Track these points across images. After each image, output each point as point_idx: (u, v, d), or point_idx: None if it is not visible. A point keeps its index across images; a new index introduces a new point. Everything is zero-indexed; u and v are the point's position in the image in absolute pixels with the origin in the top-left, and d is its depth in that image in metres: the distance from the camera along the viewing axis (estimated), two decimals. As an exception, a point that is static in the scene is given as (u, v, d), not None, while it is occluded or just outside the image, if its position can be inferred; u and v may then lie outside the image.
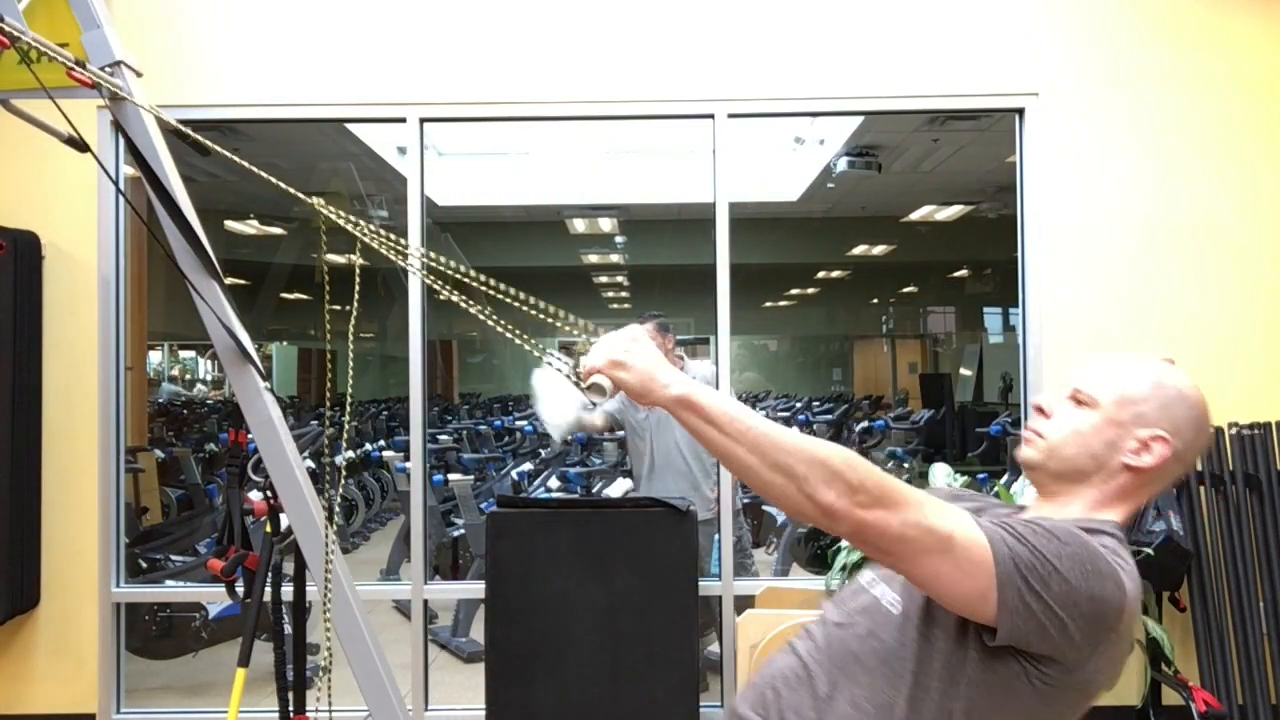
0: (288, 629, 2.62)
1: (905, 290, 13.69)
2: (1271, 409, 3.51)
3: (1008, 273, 3.97)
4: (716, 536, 3.67)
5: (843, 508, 1.00)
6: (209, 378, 15.25)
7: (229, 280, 2.14)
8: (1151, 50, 3.60)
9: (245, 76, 3.63)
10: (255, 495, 2.69)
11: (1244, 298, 3.58)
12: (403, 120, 3.64)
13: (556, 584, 3.16)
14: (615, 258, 12.17)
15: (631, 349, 1.12)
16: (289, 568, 2.59)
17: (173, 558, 4.75)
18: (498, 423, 8.83)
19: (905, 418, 8.85)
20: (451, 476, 5.66)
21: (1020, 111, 3.64)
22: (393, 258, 1.65)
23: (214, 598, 3.99)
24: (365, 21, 3.65)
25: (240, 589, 2.56)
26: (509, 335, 1.36)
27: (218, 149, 1.95)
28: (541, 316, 1.36)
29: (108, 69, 2.01)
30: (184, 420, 10.17)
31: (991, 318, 12.43)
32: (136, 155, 2.03)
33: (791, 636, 1.32)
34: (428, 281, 1.56)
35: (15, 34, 1.73)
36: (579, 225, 10.12)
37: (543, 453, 7.35)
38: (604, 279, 13.03)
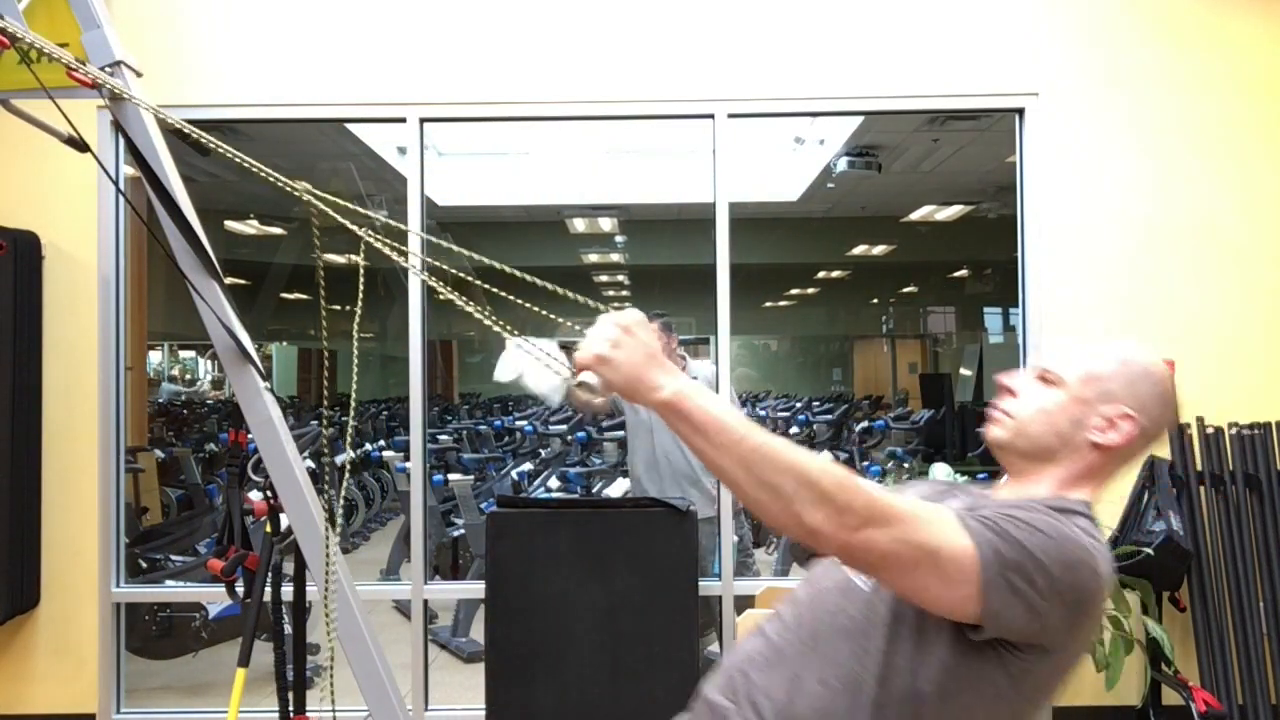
0: (288, 629, 2.62)
1: (905, 290, 13.69)
2: (1271, 409, 3.51)
3: (1008, 273, 3.97)
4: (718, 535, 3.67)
5: (829, 530, 0.97)
6: (209, 378, 15.25)
7: (229, 280, 2.14)
8: (1151, 50, 3.60)
9: (245, 76, 3.63)
10: (255, 495, 2.69)
11: (1244, 298, 3.58)
12: (403, 120, 3.64)
13: (556, 584, 3.16)
14: (615, 257, 12.18)
15: (622, 343, 1.02)
16: (289, 568, 2.59)
17: (173, 558, 4.75)
18: (498, 423, 8.82)
19: (905, 418, 8.85)
20: (451, 476, 5.67)
21: (1020, 111, 3.64)
22: (388, 252, 1.65)
23: (214, 598, 3.99)
24: (365, 21, 3.65)
25: (240, 589, 2.56)
26: (502, 331, 1.32)
27: (217, 144, 1.95)
28: (540, 311, 1.34)
29: (108, 69, 2.01)
30: (184, 420, 10.18)
31: (991, 318, 12.43)
32: (136, 155, 2.03)
33: (761, 620, 1.31)
34: (427, 280, 1.56)
35: (15, 34, 1.73)
36: (579, 225, 10.12)
37: (543, 453, 7.35)
38: (604, 279, 13.03)
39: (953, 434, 9.12)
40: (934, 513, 1.05)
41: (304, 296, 13.08)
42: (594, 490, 6.38)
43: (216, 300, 2.06)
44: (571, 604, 3.14)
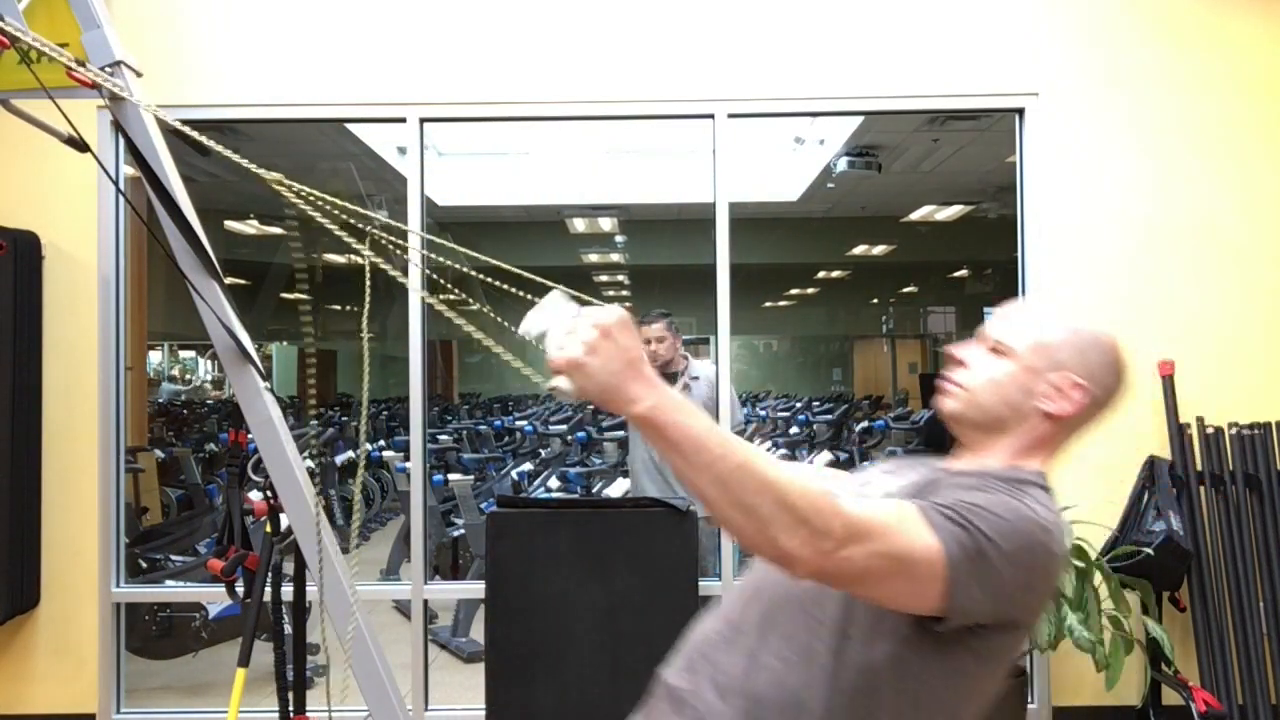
0: (288, 629, 2.62)
1: (905, 290, 13.69)
2: (1271, 409, 3.51)
3: (1008, 273, 3.97)
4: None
5: (805, 555, 0.94)
6: (209, 377, 15.26)
7: (229, 280, 2.14)
8: (1151, 50, 3.60)
9: (245, 76, 3.63)
10: (255, 495, 2.69)
11: (1244, 298, 3.58)
12: (403, 120, 3.64)
13: (556, 584, 3.16)
14: (615, 257, 12.18)
15: (599, 349, 0.93)
16: (289, 568, 2.59)
17: (173, 558, 4.75)
18: (498, 423, 8.83)
19: (905, 418, 8.85)
20: (451, 476, 5.67)
21: (1020, 111, 3.64)
22: (387, 267, 1.65)
23: (214, 598, 3.99)
24: (365, 21, 3.65)
25: (240, 589, 2.56)
26: (502, 323, 1.29)
27: (214, 145, 1.95)
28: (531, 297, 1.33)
29: (108, 69, 2.01)
30: (184, 420, 10.18)
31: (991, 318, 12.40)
32: (136, 155, 2.03)
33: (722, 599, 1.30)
34: (426, 297, 1.56)
35: (15, 34, 1.73)
36: (579, 225, 10.12)
37: (543, 453, 7.35)
38: (604, 279, 13.04)
39: (953, 434, 9.11)
40: (901, 515, 1.03)
41: (304, 297, 13.07)
42: (594, 490, 6.38)
43: (216, 300, 2.06)
44: (571, 604, 3.14)
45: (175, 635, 4.17)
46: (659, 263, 11.38)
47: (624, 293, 13.31)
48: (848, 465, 7.60)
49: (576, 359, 0.94)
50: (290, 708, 2.54)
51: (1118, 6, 3.61)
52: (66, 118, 1.92)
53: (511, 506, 3.30)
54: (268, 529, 2.53)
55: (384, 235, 1.71)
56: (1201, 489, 3.45)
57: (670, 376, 4.07)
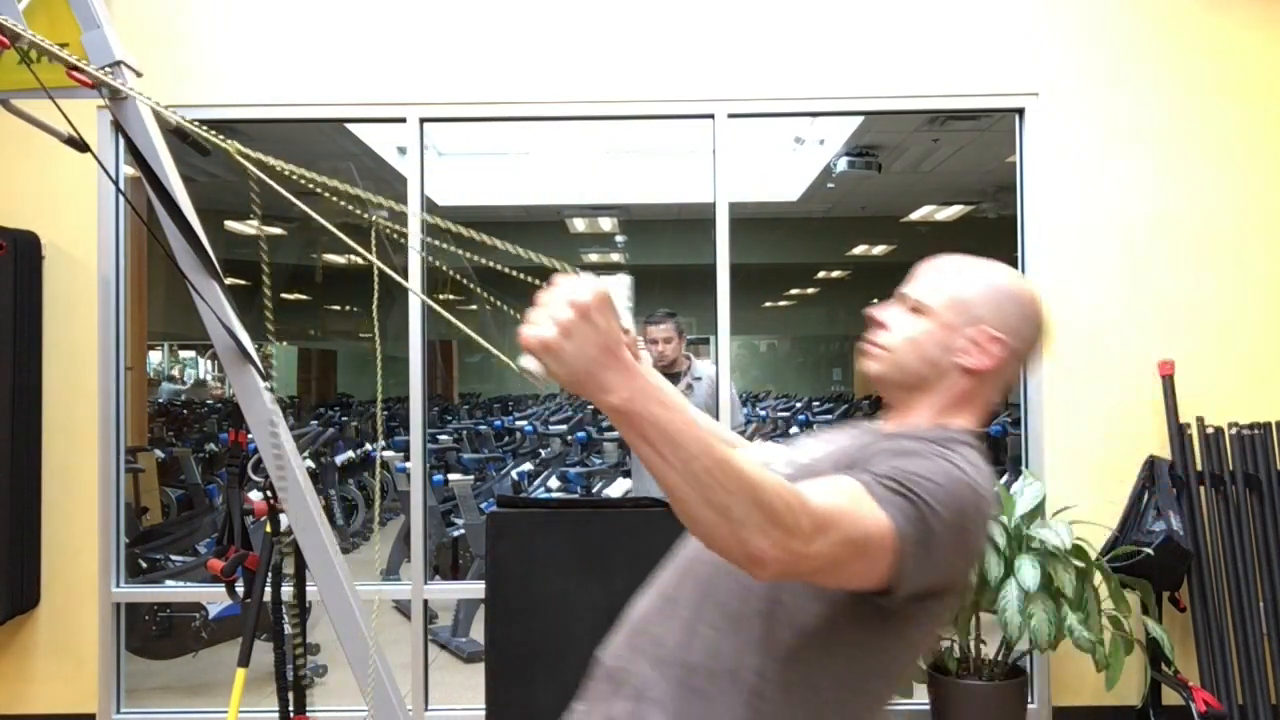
0: (288, 629, 2.62)
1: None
2: (1271, 409, 3.51)
3: (1008, 273, 3.96)
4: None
5: (774, 556, 0.90)
6: (209, 377, 15.25)
7: (229, 280, 2.14)
8: (1152, 51, 3.60)
9: (245, 76, 3.63)
10: (255, 495, 2.69)
11: (1244, 298, 3.58)
12: (403, 120, 3.64)
13: (556, 584, 3.16)
14: (615, 258, 12.17)
15: (575, 332, 0.85)
16: (289, 568, 2.59)
17: (173, 558, 4.75)
18: (498, 423, 8.82)
19: (905, 418, 8.83)
20: (451, 476, 5.66)
21: (1020, 111, 3.64)
22: (392, 274, 1.65)
23: (214, 598, 3.99)
24: (365, 21, 3.65)
25: (240, 589, 2.56)
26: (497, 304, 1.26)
27: (218, 142, 1.95)
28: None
29: (107, 69, 2.01)
30: (184, 420, 10.18)
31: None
32: (136, 155, 2.03)
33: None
34: (427, 301, 1.56)
35: (15, 34, 1.73)
36: (579, 225, 10.12)
37: (543, 453, 7.35)
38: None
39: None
40: (852, 495, 1.00)
41: (304, 297, 13.08)
42: (594, 490, 6.38)
43: (216, 300, 2.06)
44: (571, 604, 3.14)
45: (175, 635, 4.17)
46: (659, 263, 11.38)
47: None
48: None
49: (549, 341, 0.85)
50: (290, 708, 2.54)
51: (1118, 7, 3.61)
52: (66, 118, 1.92)
53: (511, 506, 3.30)
54: (268, 529, 2.53)
55: (389, 225, 1.72)
56: (1201, 489, 3.45)
57: (673, 377, 4.07)
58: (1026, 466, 3.59)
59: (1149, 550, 3.18)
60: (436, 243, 2.07)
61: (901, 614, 1.08)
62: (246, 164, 1.90)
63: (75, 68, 1.85)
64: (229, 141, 1.98)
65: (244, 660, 2.51)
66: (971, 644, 3.15)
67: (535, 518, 3.24)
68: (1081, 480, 3.51)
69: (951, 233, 10.16)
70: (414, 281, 3.59)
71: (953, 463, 1.08)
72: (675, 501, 0.90)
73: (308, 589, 2.56)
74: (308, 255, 11.30)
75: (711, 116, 3.62)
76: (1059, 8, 3.62)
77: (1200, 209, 3.58)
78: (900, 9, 3.64)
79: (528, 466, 6.87)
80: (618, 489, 5.71)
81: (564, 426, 7.31)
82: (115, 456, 3.61)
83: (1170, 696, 3.34)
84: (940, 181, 8.12)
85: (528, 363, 0.89)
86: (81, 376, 3.58)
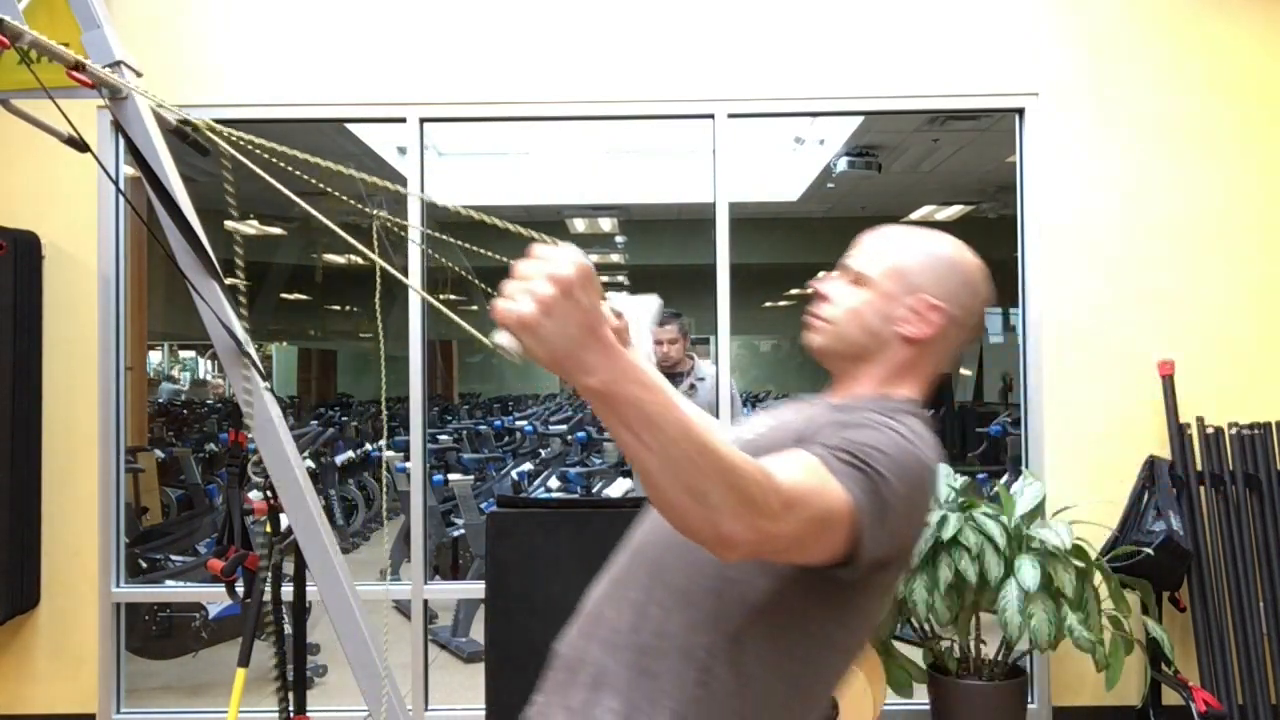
0: (288, 629, 2.62)
1: (905, 290, 13.66)
2: (1271, 409, 3.51)
3: (1008, 273, 3.97)
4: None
5: (746, 539, 0.89)
6: (209, 376, 15.25)
7: (229, 280, 2.14)
8: (1152, 51, 3.60)
9: (245, 76, 3.63)
10: (255, 495, 2.68)
11: (1244, 298, 3.58)
12: (403, 120, 3.64)
13: (556, 584, 3.16)
14: (615, 258, 12.17)
15: (556, 310, 0.80)
16: (289, 568, 2.59)
17: (173, 558, 4.75)
18: (498, 423, 8.82)
19: (905, 417, 8.82)
20: (451, 476, 5.66)
21: (1020, 111, 3.64)
22: (396, 274, 1.65)
23: (214, 598, 3.99)
24: (365, 21, 3.65)
25: (240, 589, 2.56)
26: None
27: (219, 140, 1.95)
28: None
29: (107, 69, 2.01)
30: (184, 420, 10.18)
31: (991, 318, 12.41)
32: (136, 155, 2.03)
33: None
34: (428, 298, 1.56)
35: (17, 33, 1.73)
36: (579, 225, 10.12)
37: (543, 453, 7.35)
38: (604, 279, 13.01)
39: (952, 434, 9.12)
40: (814, 471, 0.99)
41: (304, 297, 13.09)
42: (594, 490, 6.38)
43: (216, 300, 2.06)
44: (571, 604, 3.13)
45: (175, 635, 4.17)
46: (659, 263, 11.38)
47: (624, 293, 13.30)
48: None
49: (527, 318, 0.80)
50: (290, 708, 2.54)
51: (1117, 8, 3.61)
52: (66, 118, 1.92)
53: (511, 506, 3.30)
54: (268, 529, 2.53)
55: (390, 219, 1.72)
56: (1201, 489, 3.45)
57: (676, 377, 4.08)
58: (1026, 466, 3.59)
59: (1149, 550, 3.18)
60: (437, 234, 2.08)
61: (852, 585, 1.07)
62: (242, 157, 1.90)
63: (76, 66, 1.85)
64: (228, 133, 1.98)
65: (244, 660, 2.51)
66: (971, 644, 3.15)
67: (535, 518, 3.24)
68: (1081, 480, 3.51)
69: (951, 232, 10.13)
70: (414, 279, 3.60)
71: (899, 433, 1.08)
72: (650, 485, 0.87)
73: (308, 589, 2.56)
74: (308, 255, 11.30)
75: (711, 116, 3.62)
76: (1059, 8, 3.62)
77: (1200, 209, 3.58)
78: (900, 9, 3.64)
79: (528, 466, 6.87)
80: (618, 489, 5.70)
81: (564, 426, 7.31)
82: (115, 456, 3.61)
83: (1170, 696, 3.34)
84: (940, 181, 8.12)
85: (503, 339, 0.83)
86: (81, 376, 3.58)
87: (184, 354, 15.73)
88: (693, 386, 4.08)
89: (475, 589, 3.84)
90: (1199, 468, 3.47)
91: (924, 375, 1.24)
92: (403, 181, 3.68)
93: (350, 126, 5.53)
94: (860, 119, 5.90)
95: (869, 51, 3.63)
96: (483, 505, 5.50)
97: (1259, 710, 3.30)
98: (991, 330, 12.39)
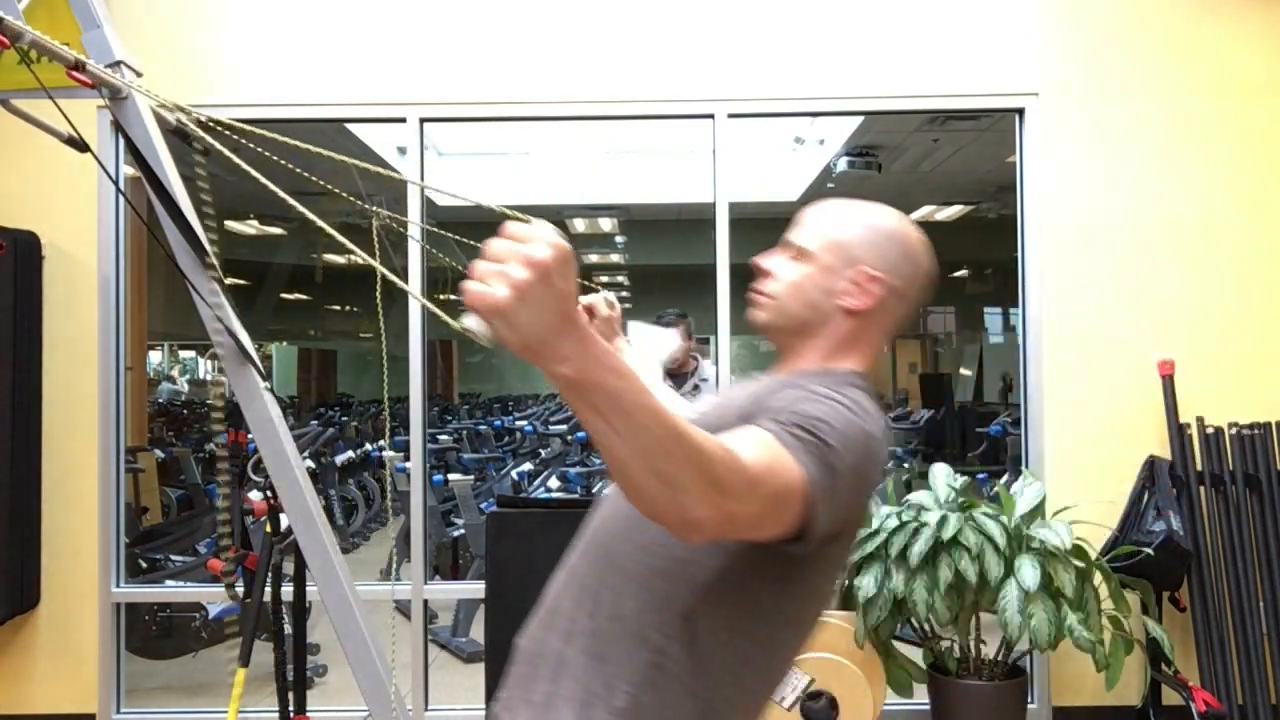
0: (288, 629, 2.62)
1: (905, 290, 13.65)
2: (1271, 409, 3.51)
3: (1008, 273, 3.98)
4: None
5: (713, 521, 0.88)
6: (209, 376, 15.25)
7: (229, 280, 2.14)
8: (1151, 51, 3.60)
9: (245, 76, 3.63)
10: (255, 495, 2.69)
11: (1244, 298, 3.58)
12: (403, 120, 3.64)
13: (556, 584, 3.16)
14: (615, 258, 12.17)
15: (531, 297, 0.76)
16: (289, 568, 2.59)
17: (173, 558, 4.75)
18: (498, 423, 8.82)
19: (905, 417, 8.84)
20: (451, 476, 5.66)
21: (1020, 111, 3.64)
22: (397, 280, 1.66)
23: (214, 598, 3.99)
24: (365, 21, 3.65)
25: (240, 589, 2.56)
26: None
27: (208, 138, 1.95)
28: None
29: (107, 69, 2.01)
30: (184, 420, 10.17)
31: (991, 318, 12.43)
32: (136, 155, 2.03)
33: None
34: (425, 304, 1.56)
35: (17, 33, 1.73)
36: (579, 225, 10.12)
37: (543, 453, 7.35)
38: (604, 279, 13.04)
39: (953, 434, 9.12)
40: (772, 447, 0.98)
41: (304, 297, 13.08)
42: (594, 490, 6.38)
43: (216, 300, 2.06)
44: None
45: (175, 635, 4.17)
46: (659, 263, 11.38)
47: (624, 293, 13.31)
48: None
49: (501, 305, 0.75)
50: (290, 708, 2.54)
51: (1117, 8, 3.61)
52: (66, 118, 1.92)
53: (511, 506, 3.30)
54: (268, 529, 2.53)
55: (390, 216, 1.72)
56: (1201, 489, 3.45)
57: (680, 378, 4.09)
58: (1026, 466, 3.59)
59: (1149, 550, 3.18)
60: (437, 229, 2.08)
61: (802, 560, 1.07)
62: (234, 156, 1.90)
63: (77, 66, 1.85)
64: (227, 149, 1.98)
65: (244, 660, 2.51)
66: (971, 644, 3.15)
67: (535, 518, 3.23)
68: (1081, 480, 3.51)
69: (951, 232, 10.17)
70: (414, 279, 3.59)
71: (843, 404, 1.08)
72: (619, 471, 0.86)
73: (308, 589, 2.56)
74: (308, 255, 11.30)
75: (711, 116, 3.62)
76: (1059, 9, 3.62)
77: (1200, 208, 3.58)
78: (900, 9, 3.64)
79: (528, 466, 6.87)
80: (618, 489, 5.69)
81: (564, 426, 7.30)
82: (115, 456, 3.61)
83: (1170, 696, 3.34)
84: (940, 181, 8.12)
85: (472, 323, 0.79)
86: (81, 376, 3.58)
87: (184, 354, 15.73)
88: (696, 387, 4.09)
89: (475, 589, 3.84)
90: (1199, 468, 3.47)
91: (868, 347, 1.24)
92: (402, 182, 3.68)
93: (350, 126, 5.52)
94: (860, 119, 5.90)
95: (869, 51, 3.63)
96: (483, 505, 5.50)
97: (1259, 710, 3.30)
98: (991, 330, 12.40)
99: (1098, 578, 3.09)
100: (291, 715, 2.54)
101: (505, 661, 3.19)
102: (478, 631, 4.51)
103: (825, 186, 8.29)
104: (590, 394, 0.81)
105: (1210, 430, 3.49)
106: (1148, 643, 3.21)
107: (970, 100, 3.65)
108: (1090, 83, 3.60)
